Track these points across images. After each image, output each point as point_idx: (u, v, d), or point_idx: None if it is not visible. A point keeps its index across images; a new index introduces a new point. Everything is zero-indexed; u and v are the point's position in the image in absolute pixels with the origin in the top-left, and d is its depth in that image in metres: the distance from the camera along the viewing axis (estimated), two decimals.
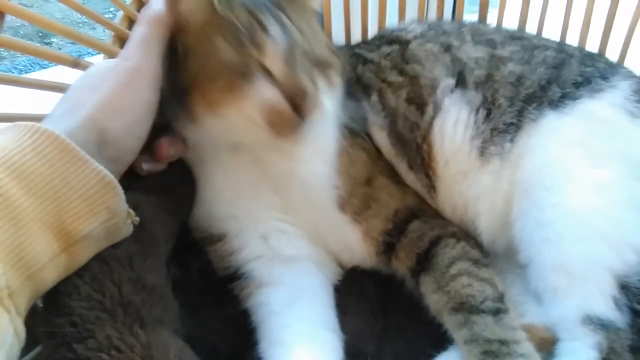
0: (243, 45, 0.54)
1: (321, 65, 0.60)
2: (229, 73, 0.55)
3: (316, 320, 0.61)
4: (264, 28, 0.55)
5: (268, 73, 0.55)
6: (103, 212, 0.46)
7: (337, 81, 0.64)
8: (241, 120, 0.57)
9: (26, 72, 2.38)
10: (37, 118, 0.63)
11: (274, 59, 0.55)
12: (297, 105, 0.55)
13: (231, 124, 0.58)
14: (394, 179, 0.69)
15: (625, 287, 0.57)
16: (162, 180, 0.61)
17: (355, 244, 0.66)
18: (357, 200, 0.65)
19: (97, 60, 0.75)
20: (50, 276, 0.44)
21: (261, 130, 0.57)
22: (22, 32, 2.54)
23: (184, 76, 0.57)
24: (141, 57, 0.55)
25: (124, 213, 0.49)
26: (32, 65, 2.44)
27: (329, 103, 0.61)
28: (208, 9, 0.56)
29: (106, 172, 0.46)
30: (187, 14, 0.57)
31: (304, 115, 0.56)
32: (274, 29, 0.55)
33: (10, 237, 0.40)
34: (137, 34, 0.57)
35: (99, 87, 0.53)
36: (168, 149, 0.60)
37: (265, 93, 0.55)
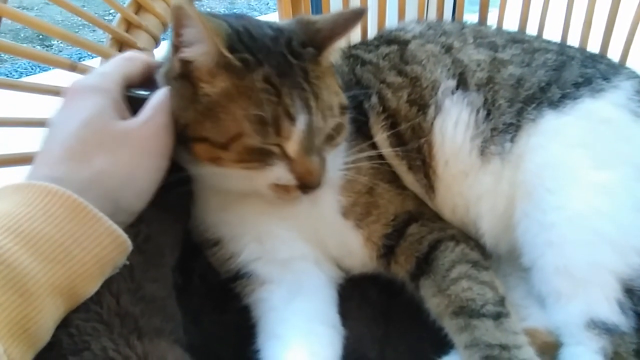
0: (268, 134, 0.55)
1: (329, 137, 0.60)
2: (247, 152, 0.55)
3: (314, 316, 0.61)
4: (291, 118, 0.55)
5: (285, 155, 0.57)
6: (109, 269, 0.46)
7: (343, 139, 0.63)
8: (245, 180, 0.58)
9: (27, 75, 2.39)
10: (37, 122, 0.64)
11: (293, 145, 0.56)
12: (304, 184, 0.58)
13: (233, 178, 0.58)
14: (394, 184, 0.69)
15: (629, 291, 0.56)
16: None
17: (356, 249, 0.66)
18: (359, 208, 0.65)
19: (97, 63, 0.75)
20: (51, 333, 0.43)
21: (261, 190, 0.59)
22: (22, 35, 2.54)
23: (189, 116, 0.56)
24: (159, 122, 0.54)
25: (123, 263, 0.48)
26: (33, 67, 2.45)
27: (332, 163, 0.62)
28: (233, 77, 0.55)
29: (120, 231, 0.46)
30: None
31: (307, 192, 0.59)
32: (299, 116, 0.55)
33: (16, 308, 0.39)
34: (156, 97, 0.56)
35: (116, 149, 0.51)
36: None
37: (280, 175, 0.57)
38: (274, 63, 0.56)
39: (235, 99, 0.54)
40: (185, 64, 0.55)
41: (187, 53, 0.55)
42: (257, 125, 0.54)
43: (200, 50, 0.54)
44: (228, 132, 0.54)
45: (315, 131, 0.57)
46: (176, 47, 0.55)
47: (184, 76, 0.56)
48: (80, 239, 0.43)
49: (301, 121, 0.55)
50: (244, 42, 0.56)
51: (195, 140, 0.56)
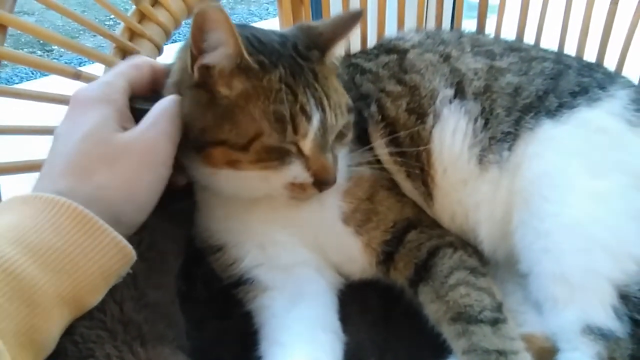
0: (286, 132, 0.56)
1: (340, 135, 0.62)
2: (266, 152, 0.56)
3: (316, 323, 0.61)
4: (308, 117, 0.57)
5: (301, 153, 0.58)
6: (114, 279, 0.47)
7: (351, 138, 0.66)
8: (261, 182, 0.59)
9: (28, 80, 2.39)
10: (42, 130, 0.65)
11: (309, 143, 0.58)
12: (319, 182, 0.60)
13: (248, 180, 0.59)
14: (393, 191, 0.70)
15: (625, 297, 0.57)
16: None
17: (356, 255, 0.67)
18: (359, 215, 0.66)
19: (97, 69, 0.75)
20: (56, 342, 0.44)
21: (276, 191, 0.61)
22: (23, 40, 2.54)
23: (207, 121, 0.57)
24: (160, 130, 0.54)
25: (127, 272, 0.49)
26: (34, 72, 2.45)
27: (341, 163, 0.64)
28: (251, 79, 0.56)
29: (125, 241, 0.46)
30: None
31: (323, 189, 0.61)
32: (314, 114, 0.58)
33: (24, 319, 0.40)
34: (159, 105, 0.56)
35: (116, 163, 0.51)
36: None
37: (297, 173, 0.59)
38: (287, 65, 0.58)
39: (253, 100, 0.56)
40: (204, 70, 0.56)
41: (208, 58, 0.55)
42: (276, 124, 0.56)
43: (223, 54, 0.55)
44: (248, 133, 0.56)
45: (328, 129, 0.59)
46: (194, 57, 0.55)
47: (200, 84, 0.57)
48: (87, 249, 0.44)
49: (316, 119, 0.57)
50: (255, 47, 0.58)
51: (213, 145, 0.57)
